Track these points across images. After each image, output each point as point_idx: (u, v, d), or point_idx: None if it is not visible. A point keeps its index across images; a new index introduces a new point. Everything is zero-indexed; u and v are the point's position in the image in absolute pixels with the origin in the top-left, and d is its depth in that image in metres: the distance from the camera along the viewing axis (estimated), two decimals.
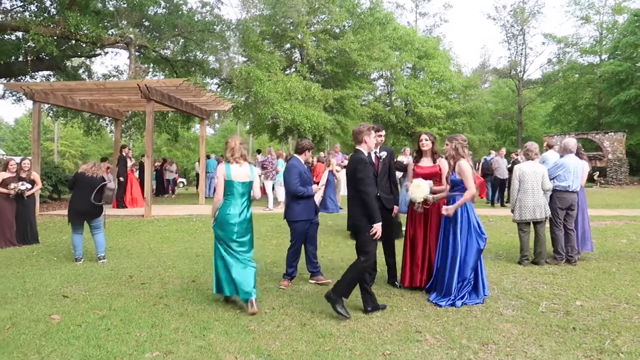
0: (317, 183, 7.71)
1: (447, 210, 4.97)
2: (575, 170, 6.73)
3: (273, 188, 14.01)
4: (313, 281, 5.67)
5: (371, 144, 4.75)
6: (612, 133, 26.58)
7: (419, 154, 5.57)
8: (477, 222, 5.03)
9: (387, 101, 37.96)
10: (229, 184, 4.73)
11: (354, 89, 30.22)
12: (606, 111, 34.45)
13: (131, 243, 8.58)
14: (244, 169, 4.78)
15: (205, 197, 17.06)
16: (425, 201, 5.18)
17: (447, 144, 5.17)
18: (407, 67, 38.20)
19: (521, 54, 40.64)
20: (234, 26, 19.00)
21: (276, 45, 28.62)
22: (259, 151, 16.20)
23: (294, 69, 29.32)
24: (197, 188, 20.42)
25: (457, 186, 5.08)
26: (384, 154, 5.50)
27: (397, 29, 35.25)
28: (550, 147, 12.13)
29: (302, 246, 5.68)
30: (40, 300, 5.08)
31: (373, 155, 5.52)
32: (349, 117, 30.17)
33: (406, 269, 5.41)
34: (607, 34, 35.74)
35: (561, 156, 6.98)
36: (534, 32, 47.31)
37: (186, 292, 5.29)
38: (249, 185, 4.82)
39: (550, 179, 6.73)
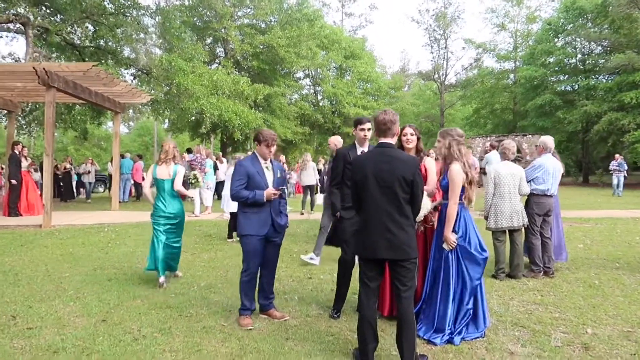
0: None
1: (448, 242, 3.98)
2: (554, 172, 6.06)
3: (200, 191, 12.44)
4: (264, 316, 4.42)
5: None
6: (530, 136, 27.60)
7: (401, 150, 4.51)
8: (478, 237, 4.08)
9: (314, 101, 37.31)
10: (155, 181, 5.68)
11: (281, 87, 29.12)
12: (520, 115, 36.11)
13: (21, 263, 6.78)
14: (168, 168, 5.65)
15: (120, 202, 15.05)
16: (425, 219, 4.17)
17: (439, 141, 4.18)
18: (334, 67, 37.75)
19: (443, 57, 41.68)
20: (152, 11, 17.02)
21: (198, 38, 26.74)
22: (189, 150, 14.48)
23: (218, 64, 27.61)
24: (109, 191, 18.20)
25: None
26: None
27: (324, 27, 34.66)
28: (493, 147, 11.76)
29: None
30: None
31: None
32: (276, 116, 29.03)
33: (385, 294, 4.34)
34: (522, 42, 37.48)
35: (538, 156, 6.28)
36: (454, 36, 48.23)
37: (93, 340, 3.84)
38: (170, 182, 5.62)
39: (527, 182, 6.01)
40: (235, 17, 27.60)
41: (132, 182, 17.35)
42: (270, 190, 4.21)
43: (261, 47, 26.96)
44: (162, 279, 5.45)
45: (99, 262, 6.87)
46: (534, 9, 37.61)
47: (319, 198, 13.27)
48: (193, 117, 20.05)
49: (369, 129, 4.48)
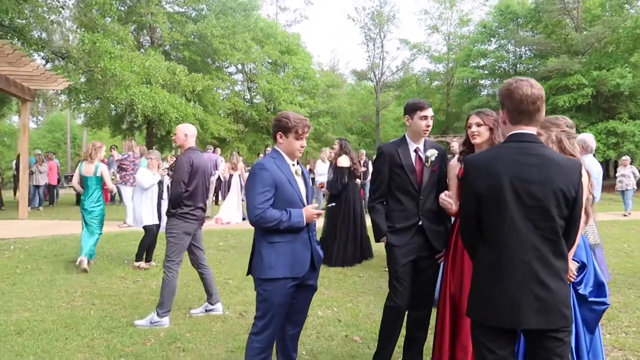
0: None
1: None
2: (599, 177, 5.03)
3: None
4: None
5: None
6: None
7: (469, 149, 3.15)
8: (597, 272, 2.83)
9: (248, 97, 35.47)
10: (82, 178, 6.39)
11: (215, 81, 27.10)
12: (453, 117, 36.60)
13: None
14: (91, 166, 6.32)
15: (30, 209, 12.51)
16: None
17: (539, 134, 2.88)
18: (268, 62, 36.12)
19: (379, 57, 41.36)
20: None
21: (121, 23, 24.00)
22: (115, 148, 12.30)
23: (143, 53, 25.05)
24: (14, 195, 15.36)
25: None
26: (432, 153, 3.10)
27: (259, 20, 33.12)
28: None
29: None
30: None
31: (413, 156, 3.08)
32: (208, 112, 26.87)
33: (444, 347, 2.98)
34: (456, 44, 38.05)
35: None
36: (390, 36, 47.80)
37: None
38: (93, 179, 6.32)
39: None
40: (164, 2, 25.25)
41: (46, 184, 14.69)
42: (311, 210, 2.71)
43: (192, 36, 24.86)
44: (84, 260, 6.08)
45: (3, 299, 4.92)
46: (465, 12, 38.27)
47: None
48: (116, 111, 17.57)
49: (432, 117, 3.15)
